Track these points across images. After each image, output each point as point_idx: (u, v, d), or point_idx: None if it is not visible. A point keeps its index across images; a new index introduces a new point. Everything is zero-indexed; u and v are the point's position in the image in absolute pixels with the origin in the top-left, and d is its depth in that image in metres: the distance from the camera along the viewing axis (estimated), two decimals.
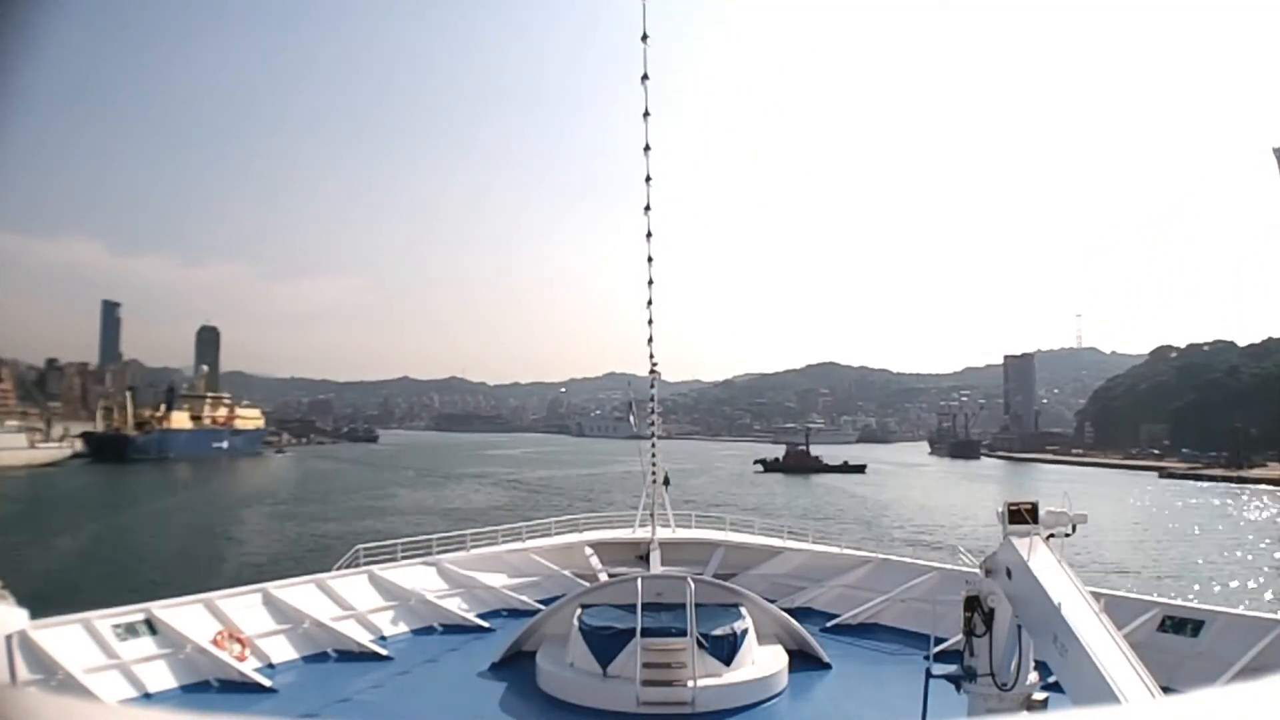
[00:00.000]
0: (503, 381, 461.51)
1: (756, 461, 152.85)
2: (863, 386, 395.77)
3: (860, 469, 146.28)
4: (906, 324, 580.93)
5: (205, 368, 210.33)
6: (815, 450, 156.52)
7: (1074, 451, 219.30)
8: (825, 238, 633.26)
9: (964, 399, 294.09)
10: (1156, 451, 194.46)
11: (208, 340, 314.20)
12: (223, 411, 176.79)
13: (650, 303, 19.71)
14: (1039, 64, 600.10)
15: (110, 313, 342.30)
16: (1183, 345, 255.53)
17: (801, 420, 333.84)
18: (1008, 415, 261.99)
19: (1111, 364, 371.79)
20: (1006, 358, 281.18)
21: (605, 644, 13.53)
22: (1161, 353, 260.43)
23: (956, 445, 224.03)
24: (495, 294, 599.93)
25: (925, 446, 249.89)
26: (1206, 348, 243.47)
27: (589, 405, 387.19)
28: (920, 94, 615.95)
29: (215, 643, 14.08)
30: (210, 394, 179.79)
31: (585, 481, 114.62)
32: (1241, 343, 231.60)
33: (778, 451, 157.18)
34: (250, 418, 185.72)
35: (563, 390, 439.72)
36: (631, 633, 13.34)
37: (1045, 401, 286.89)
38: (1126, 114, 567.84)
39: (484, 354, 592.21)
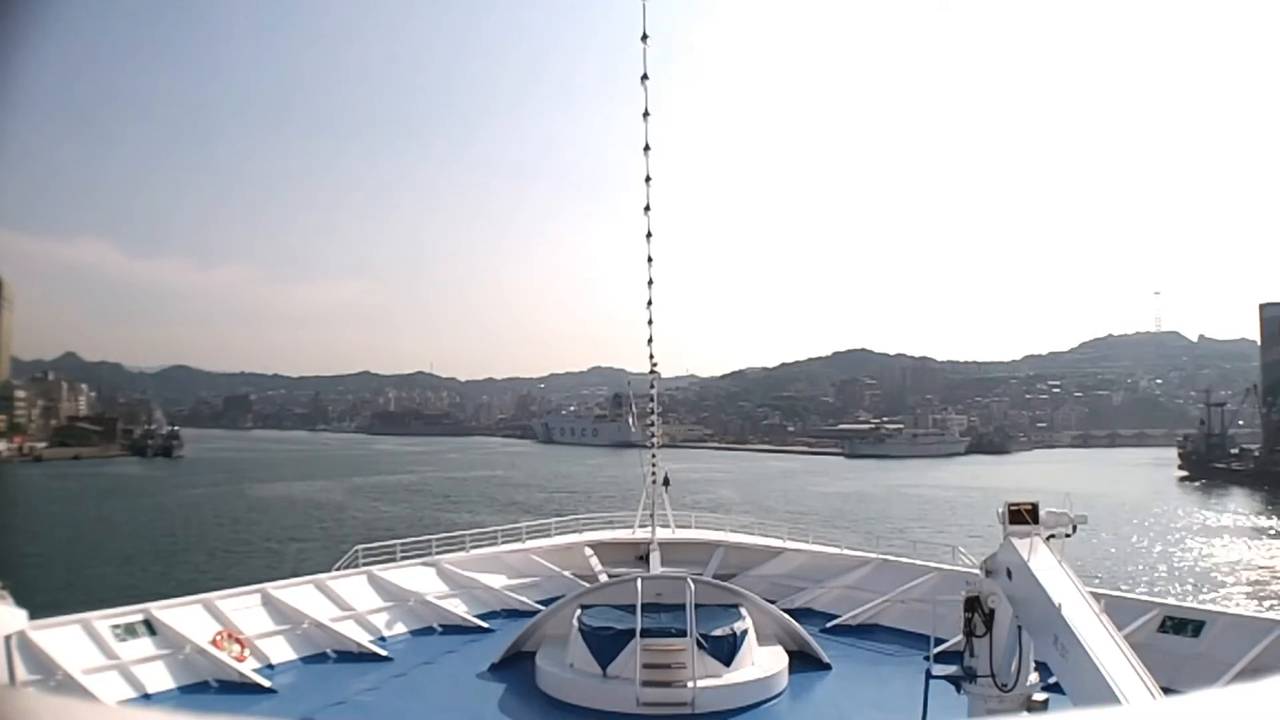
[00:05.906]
0: (475, 377, 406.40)
1: None
2: (919, 377, 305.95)
3: None
4: (947, 308, 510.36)
5: None
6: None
7: None
8: (847, 221, 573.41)
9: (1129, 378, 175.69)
10: None
11: None
12: None
13: (650, 303, 19.63)
14: (1070, 40, 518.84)
15: None
16: None
17: (848, 419, 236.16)
18: (1265, 408, 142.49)
19: (1203, 350, 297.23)
20: (1263, 307, 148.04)
21: (605, 644, 13.62)
22: None
23: None
24: (484, 289, 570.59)
25: (1160, 462, 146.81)
26: None
27: (568, 402, 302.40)
28: (953, 69, 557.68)
29: (214, 643, 14.11)
30: None
31: None
32: None
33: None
34: None
35: (541, 386, 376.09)
36: (631, 633, 13.45)
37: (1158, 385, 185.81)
38: (1197, 82, 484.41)
39: (463, 349, 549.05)
